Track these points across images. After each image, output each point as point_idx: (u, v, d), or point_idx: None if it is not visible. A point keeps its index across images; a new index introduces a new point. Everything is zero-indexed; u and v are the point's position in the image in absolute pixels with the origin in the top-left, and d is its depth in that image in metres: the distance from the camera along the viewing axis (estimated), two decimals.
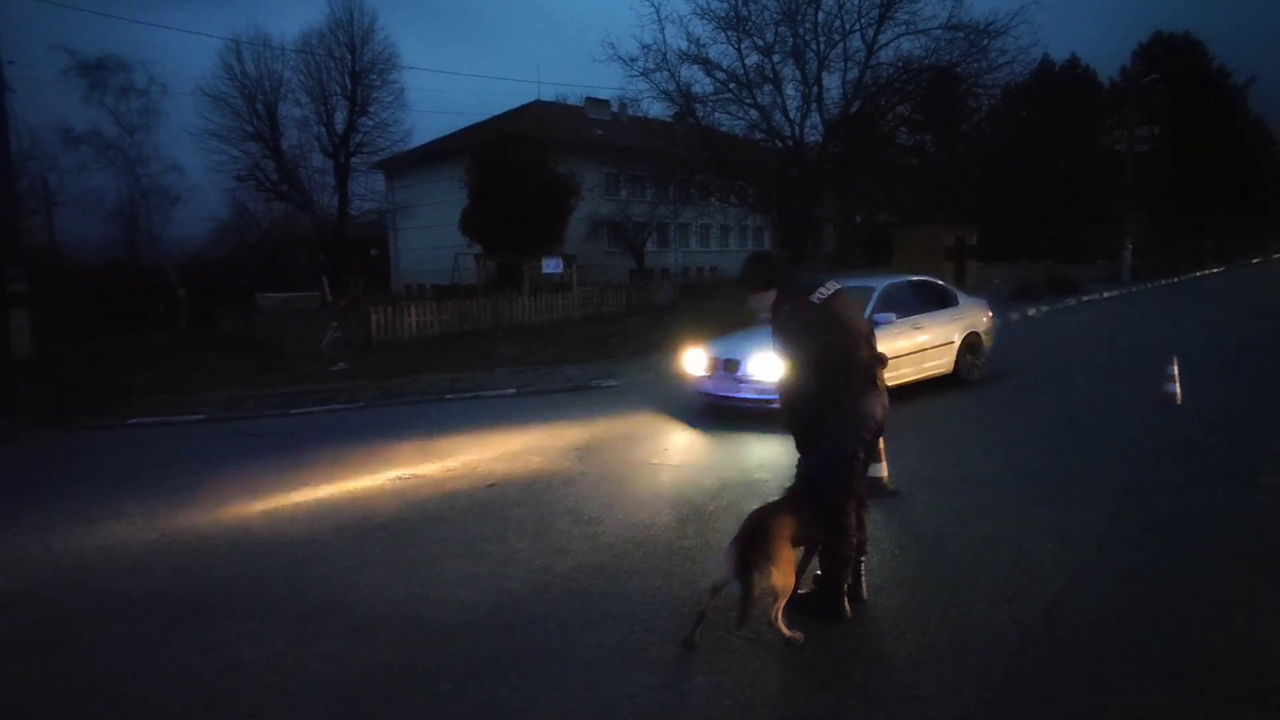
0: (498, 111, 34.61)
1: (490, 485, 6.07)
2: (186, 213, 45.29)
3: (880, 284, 8.87)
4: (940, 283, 9.82)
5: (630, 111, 29.55)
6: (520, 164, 23.21)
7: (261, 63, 28.73)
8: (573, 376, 11.76)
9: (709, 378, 8.27)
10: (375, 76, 29.86)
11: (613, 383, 11.10)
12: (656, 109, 23.90)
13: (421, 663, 3.31)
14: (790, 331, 3.37)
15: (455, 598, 3.96)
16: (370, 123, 30.10)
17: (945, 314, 9.07)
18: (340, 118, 29.81)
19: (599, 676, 3.13)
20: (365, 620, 3.75)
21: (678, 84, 21.89)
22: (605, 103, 35.44)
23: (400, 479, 6.40)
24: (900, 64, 21.77)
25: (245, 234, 31.94)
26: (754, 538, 3.18)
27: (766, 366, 7.19)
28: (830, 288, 3.48)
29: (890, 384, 7.72)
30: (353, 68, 29.30)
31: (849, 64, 21.81)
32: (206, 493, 6.20)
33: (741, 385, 7.79)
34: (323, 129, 29.71)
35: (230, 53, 28.82)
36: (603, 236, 31.80)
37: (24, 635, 3.83)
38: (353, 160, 30.34)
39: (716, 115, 22.73)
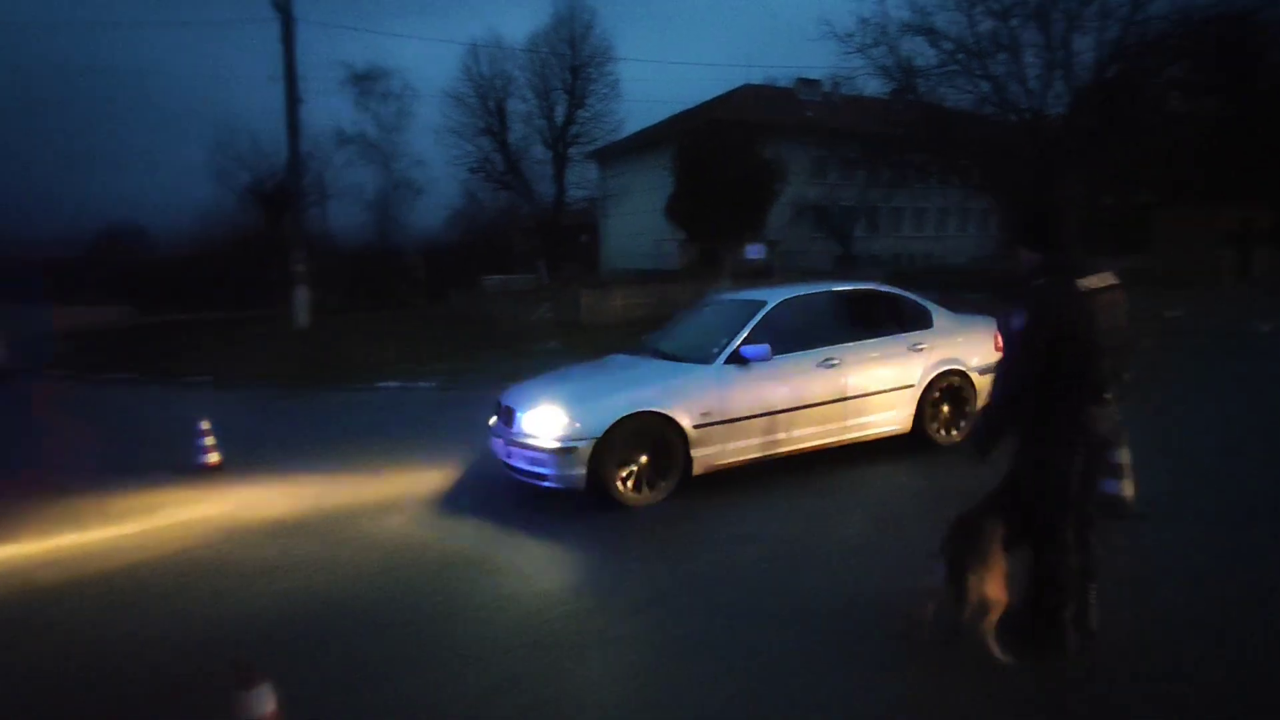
0: (707, 98, 34.81)
1: None
2: (427, 203, 50.96)
3: (775, 297, 6.02)
4: (903, 295, 6.59)
5: (843, 90, 28.26)
6: (725, 149, 23.19)
7: (495, 63, 31.40)
8: None
9: (494, 431, 5.80)
10: (592, 70, 31.39)
11: None
12: (872, 86, 22.57)
13: None
14: (1037, 311, 2.93)
15: None
16: (586, 115, 31.75)
17: (897, 343, 6.13)
18: (560, 111, 31.76)
19: None
20: None
21: (897, 58, 20.47)
22: (816, 83, 34.19)
23: None
24: (1177, 15, 18.54)
25: (474, 221, 35.39)
26: (966, 539, 2.91)
27: (546, 423, 5.11)
28: (1104, 279, 3.02)
29: (765, 454, 5.60)
30: (572, 63, 31.03)
31: (1107, 22, 19.00)
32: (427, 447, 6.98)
33: (512, 448, 5.33)
34: (544, 122, 31.85)
35: (469, 56, 31.82)
36: (807, 222, 30.90)
37: None
38: (569, 151, 32.23)
39: (940, 90, 20.98)
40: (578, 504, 5.20)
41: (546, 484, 5.10)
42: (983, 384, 6.17)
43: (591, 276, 31.00)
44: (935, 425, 6.22)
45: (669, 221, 25.19)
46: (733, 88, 34.97)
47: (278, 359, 14.14)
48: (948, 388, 6.24)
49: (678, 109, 35.48)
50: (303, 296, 17.97)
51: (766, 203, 24.07)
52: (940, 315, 6.45)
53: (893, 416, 6.02)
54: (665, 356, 5.88)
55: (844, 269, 26.25)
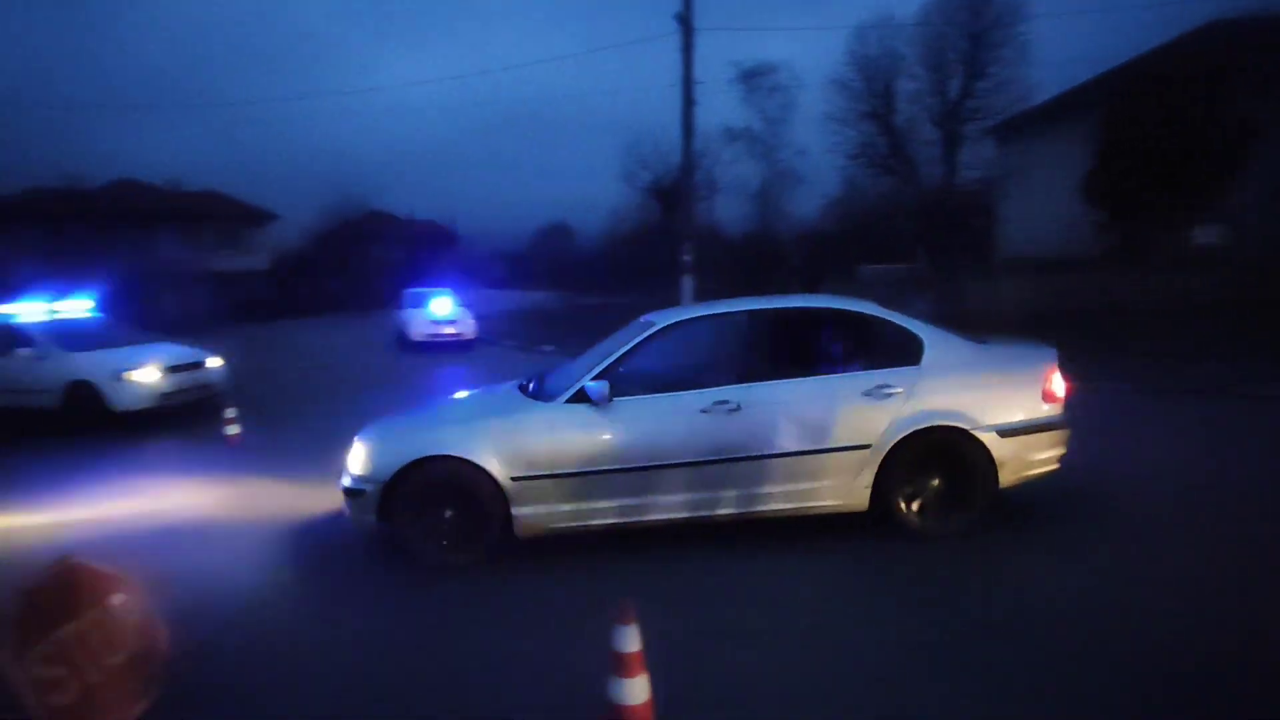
0: (1145, 48, 28.43)
1: None
2: (806, 192, 51.34)
3: (667, 318, 4.78)
4: (877, 317, 4.75)
5: None
6: (1174, 107, 18.65)
7: (883, 43, 30.01)
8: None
9: None
10: (996, 34, 28.02)
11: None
12: None
13: None
14: None
15: None
16: (986, 85, 28.51)
17: (848, 383, 4.46)
18: (954, 85, 29.06)
19: None
20: None
21: None
22: None
23: None
24: None
25: (851, 208, 34.56)
26: None
27: (352, 461, 4.47)
28: None
29: (622, 522, 4.33)
30: (971, 29, 28.09)
31: None
32: None
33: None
34: (935, 99, 29.46)
35: (856, 39, 30.94)
36: None
37: None
38: (963, 128, 29.35)
39: None
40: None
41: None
42: (1006, 450, 4.38)
43: (982, 265, 27.99)
44: (912, 505, 4.43)
45: (1086, 201, 21.29)
46: (1187, 30, 27.96)
47: None
48: (938, 452, 4.42)
49: (1103, 67, 29.77)
50: (688, 284, 19.60)
51: (1231, 173, 18.76)
52: (941, 346, 4.59)
53: (831, 487, 4.39)
54: (525, 389, 4.92)
55: None
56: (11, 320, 10.38)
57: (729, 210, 40.40)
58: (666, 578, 4.14)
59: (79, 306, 11.49)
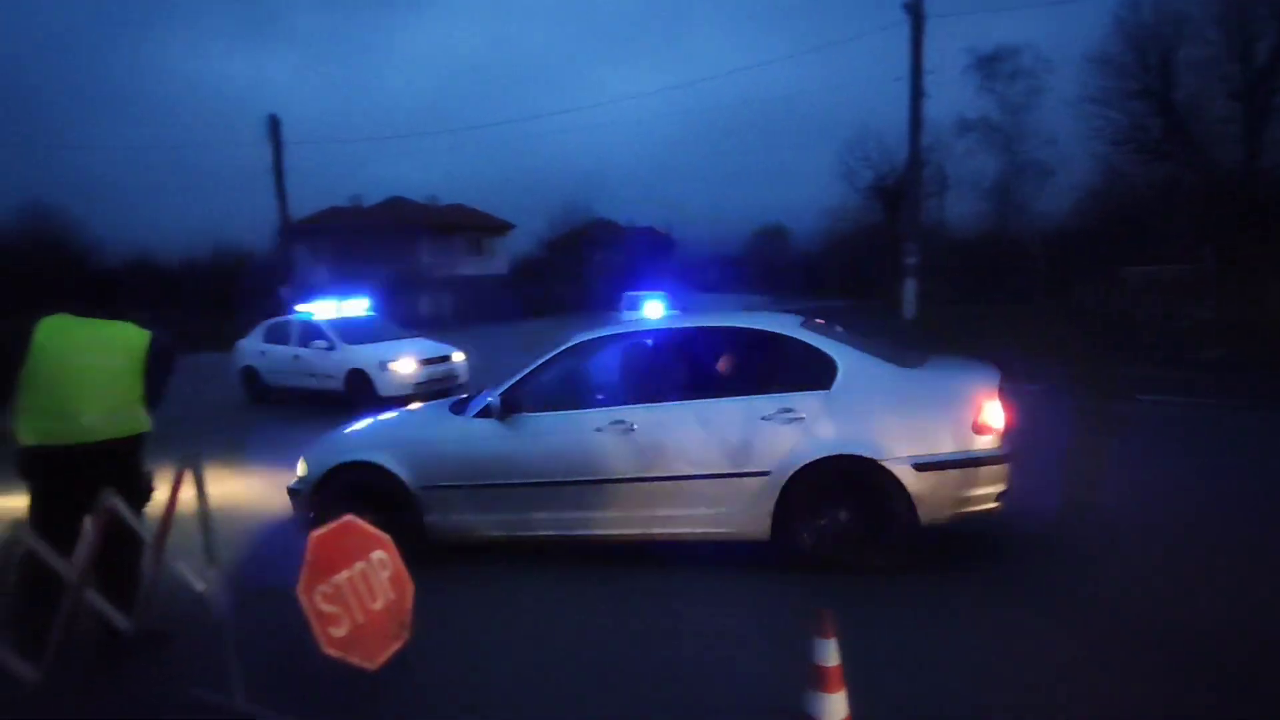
0: None
1: None
2: (1051, 185, 45.77)
3: (579, 336, 4.76)
4: (789, 337, 4.37)
5: None
6: None
7: (1160, 6, 25.81)
8: None
9: None
10: None
11: None
12: None
13: None
14: None
15: None
16: None
17: (751, 407, 4.13)
18: (1263, 48, 24.12)
19: None
20: None
21: None
22: None
23: None
24: None
25: (1110, 202, 30.12)
26: None
27: (301, 462, 4.81)
28: None
29: (525, 534, 4.39)
30: None
31: None
32: None
33: None
34: (1235, 66, 24.71)
35: (1126, 6, 26.94)
36: None
37: None
38: (1275, 99, 24.27)
39: None
40: None
41: None
42: (923, 485, 3.90)
43: None
44: (816, 537, 4.06)
45: None
46: None
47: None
48: (846, 482, 4.05)
49: None
50: (911, 288, 18.37)
51: None
52: (857, 370, 4.17)
53: (730, 514, 4.15)
54: (456, 403, 4.98)
55: None
56: (310, 318, 12.54)
57: (960, 208, 37.22)
58: (855, 594, 3.84)
59: (357, 306, 13.54)
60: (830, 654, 2.29)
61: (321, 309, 12.99)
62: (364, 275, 35.94)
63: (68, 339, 3.31)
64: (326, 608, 2.93)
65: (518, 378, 4.62)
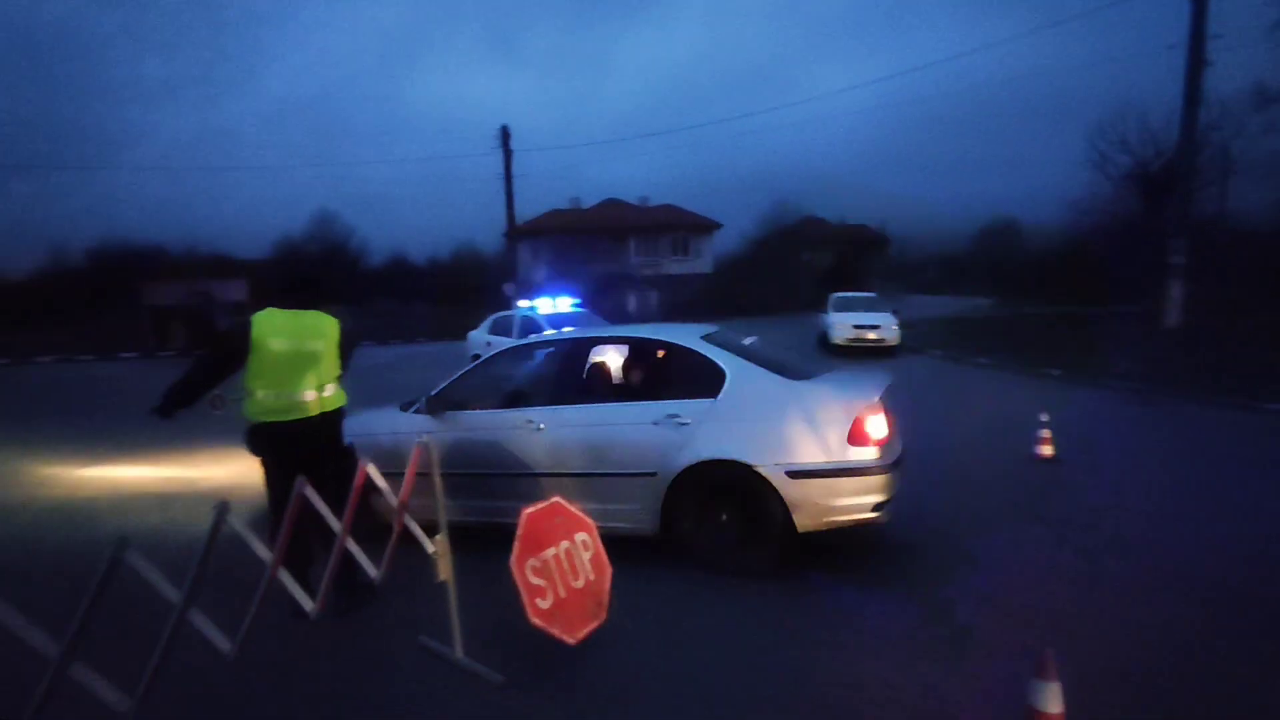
0: None
1: None
2: None
3: (508, 343, 5.94)
4: (686, 348, 4.69)
5: None
6: None
7: None
8: None
9: None
10: None
11: None
12: None
13: None
14: None
15: None
16: None
17: (646, 412, 4.46)
18: None
19: None
20: None
21: None
22: None
23: None
24: None
25: None
26: None
27: None
28: None
29: (464, 519, 4.51)
30: None
31: None
32: None
33: None
34: None
35: None
36: None
37: None
38: None
39: None
40: None
41: None
42: (798, 493, 4.07)
43: None
44: (698, 537, 4.30)
45: None
46: None
47: (1138, 360, 12.90)
48: (726, 487, 4.22)
49: None
50: (1177, 290, 15.76)
51: None
52: (743, 380, 4.35)
53: (623, 510, 4.38)
54: (407, 402, 5.34)
55: None
56: (529, 312, 13.64)
57: (1251, 197, 31.16)
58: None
59: (566, 303, 14.49)
60: (1053, 699, 2.05)
61: (541, 304, 14.10)
62: (577, 273, 38.33)
63: (281, 329, 3.84)
64: (534, 580, 3.17)
65: (451, 380, 5.11)
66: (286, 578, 2.72)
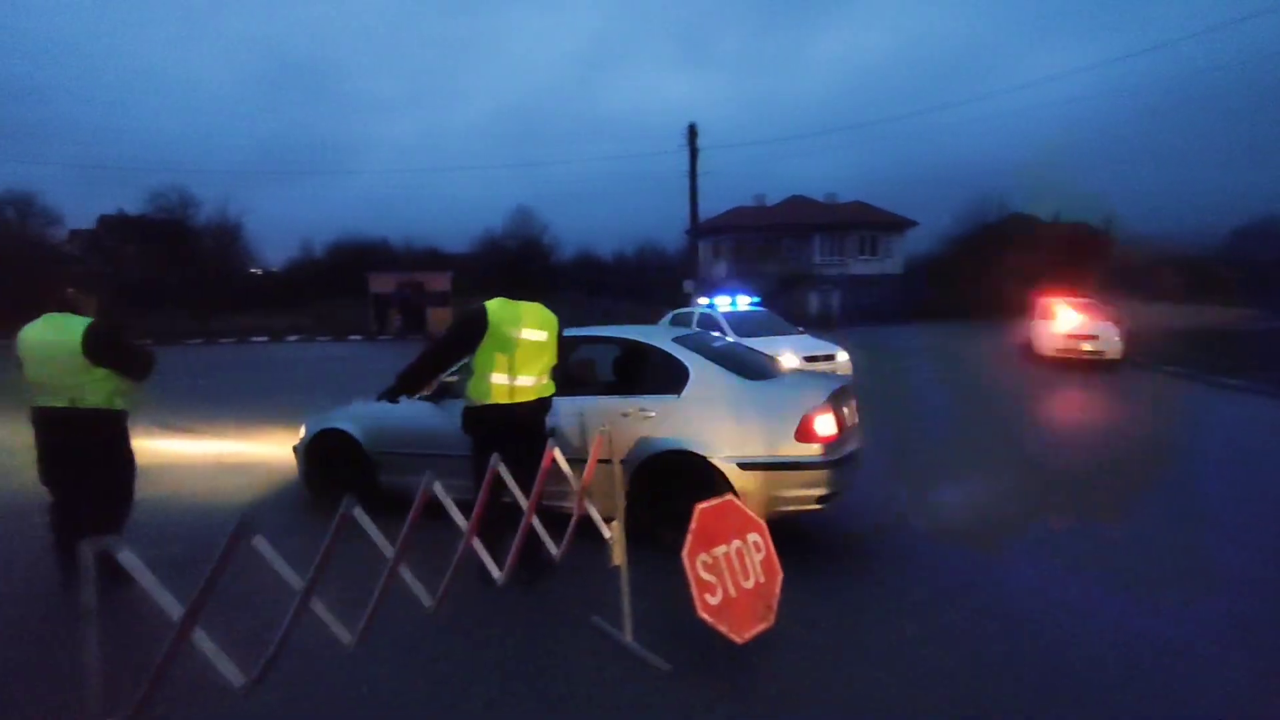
0: None
1: None
2: None
3: None
4: (653, 346, 5.19)
5: None
6: None
7: None
8: None
9: None
10: None
11: None
12: None
13: None
14: None
15: None
16: None
17: (616, 406, 4.91)
18: None
19: None
20: None
21: None
22: None
23: None
24: None
25: None
26: None
27: (300, 429, 6.21)
28: None
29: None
30: None
31: None
32: None
33: None
34: None
35: None
36: None
37: None
38: None
39: None
40: None
41: None
42: (747, 483, 4.42)
43: None
44: (659, 521, 4.58)
45: None
46: None
47: None
48: (684, 476, 4.58)
49: None
50: None
51: None
52: (705, 379, 4.81)
53: (594, 494, 4.13)
54: None
55: None
56: (708, 309, 13.70)
57: None
58: None
59: (745, 300, 14.37)
60: None
61: (720, 301, 14.13)
62: (758, 271, 37.88)
63: (516, 318, 4.11)
64: (705, 575, 3.18)
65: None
66: (480, 547, 2.94)
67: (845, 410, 4.84)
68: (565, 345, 5.48)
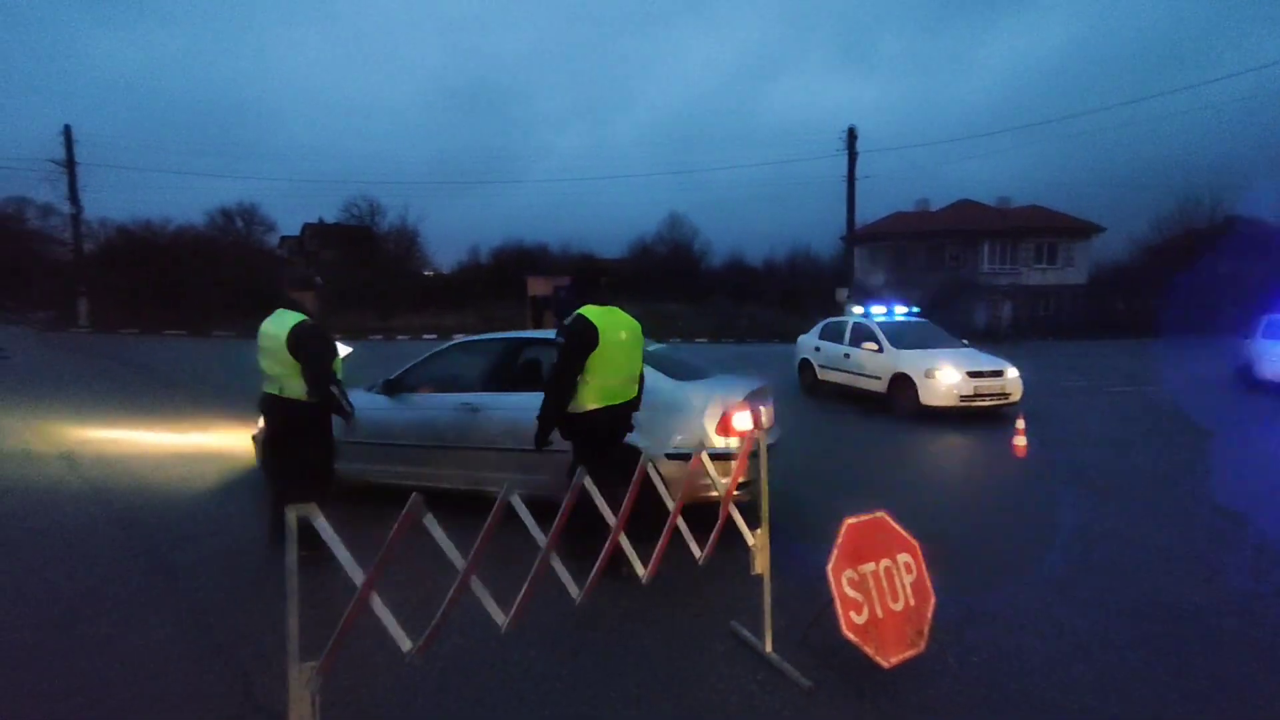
0: None
1: None
2: None
3: (458, 340, 7.78)
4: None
5: None
6: None
7: None
8: None
9: None
10: None
11: None
12: None
13: None
14: None
15: None
16: None
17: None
18: None
19: None
20: None
21: None
22: None
23: None
24: None
25: None
26: None
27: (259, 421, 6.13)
28: None
29: (414, 484, 5.31)
30: None
31: None
32: None
33: None
34: None
35: None
36: None
37: None
38: None
39: None
40: None
41: None
42: (673, 472, 4.93)
43: None
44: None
45: None
46: None
47: None
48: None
49: None
50: None
51: None
52: (644, 380, 4.83)
53: (539, 481, 4.95)
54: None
55: None
56: (862, 319, 13.11)
57: None
58: None
59: (903, 310, 13.61)
60: None
61: (876, 311, 13.49)
62: (919, 280, 35.86)
63: (614, 324, 4.28)
64: (851, 593, 3.07)
65: (407, 366, 6.11)
66: (626, 544, 3.02)
67: (762, 408, 5.48)
68: (513, 346, 6.03)
